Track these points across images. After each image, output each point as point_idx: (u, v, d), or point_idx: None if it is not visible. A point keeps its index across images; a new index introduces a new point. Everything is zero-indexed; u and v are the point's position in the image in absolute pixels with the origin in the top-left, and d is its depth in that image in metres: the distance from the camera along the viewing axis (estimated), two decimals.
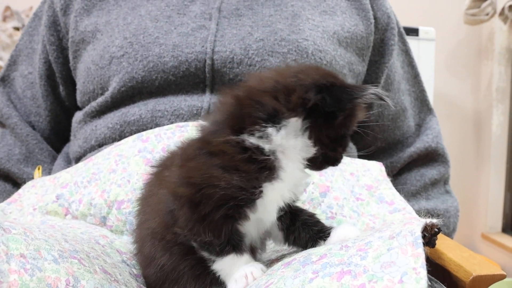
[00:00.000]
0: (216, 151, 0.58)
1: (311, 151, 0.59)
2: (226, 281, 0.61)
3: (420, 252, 0.48)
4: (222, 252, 0.60)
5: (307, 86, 0.57)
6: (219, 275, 0.62)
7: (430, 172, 1.17)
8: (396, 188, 0.93)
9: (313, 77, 0.58)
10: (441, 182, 1.19)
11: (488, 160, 2.72)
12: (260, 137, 0.57)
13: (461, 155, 2.72)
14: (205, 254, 0.61)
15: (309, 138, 0.58)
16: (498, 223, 2.73)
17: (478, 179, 2.80)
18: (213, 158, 0.58)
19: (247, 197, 0.58)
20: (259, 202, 0.59)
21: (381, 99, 0.57)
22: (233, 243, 0.60)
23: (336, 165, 0.63)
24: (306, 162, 0.61)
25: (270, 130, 0.57)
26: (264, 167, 0.57)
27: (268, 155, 0.57)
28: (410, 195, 1.14)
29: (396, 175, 1.18)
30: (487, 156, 2.72)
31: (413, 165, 1.18)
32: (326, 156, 0.60)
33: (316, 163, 0.61)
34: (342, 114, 0.57)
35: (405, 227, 0.53)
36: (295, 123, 0.57)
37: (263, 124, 0.57)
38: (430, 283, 0.61)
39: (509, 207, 2.73)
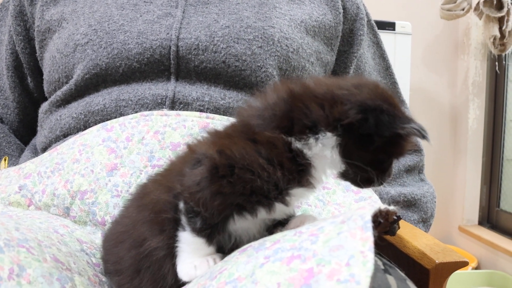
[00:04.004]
0: (263, 141, 0.55)
1: (342, 167, 0.58)
2: (180, 256, 0.59)
3: (368, 235, 0.48)
4: (199, 231, 0.57)
5: (353, 103, 0.54)
6: None
7: (404, 160, 1.17)
8: None
9: (364, 95, 0.55)
10: (416, 170, 1.20)
11: (464, 154, 2.75)
12: (305, 144, 0.56)
13: (438, 149, 2.75)
14: (183, 219, 0.57)
15: (340, 155, 0.57)
16: (475, 216, 2.77)
17: (455, 173, 2.83)
18: (258, 145, 0.55)
19: (275, 197, 0.56)
20: (278, 205, 0.57)
21: (423, 136, 0.55)
22: (212, 232, 0.58)
23: (374, 185, 0.59)
24: (339, 176, 0.59)
25: (312, 140, 0.56)
26: (303, 171, 0.56)
27: (309, 161, 0.56)
28: None
29: None
30: (464, 150, 2.75)
31: None
32: (357, 175, 0.58)
33: (349, 180, 0.59)
34: (380, 139, 0.55)
35: (357, 211, 0.53)
36: (330, 137, 0.56)
37: (308, 134, 0.56)
38: (384, 268, 0.61)
39: (486, 200, 2.77)
